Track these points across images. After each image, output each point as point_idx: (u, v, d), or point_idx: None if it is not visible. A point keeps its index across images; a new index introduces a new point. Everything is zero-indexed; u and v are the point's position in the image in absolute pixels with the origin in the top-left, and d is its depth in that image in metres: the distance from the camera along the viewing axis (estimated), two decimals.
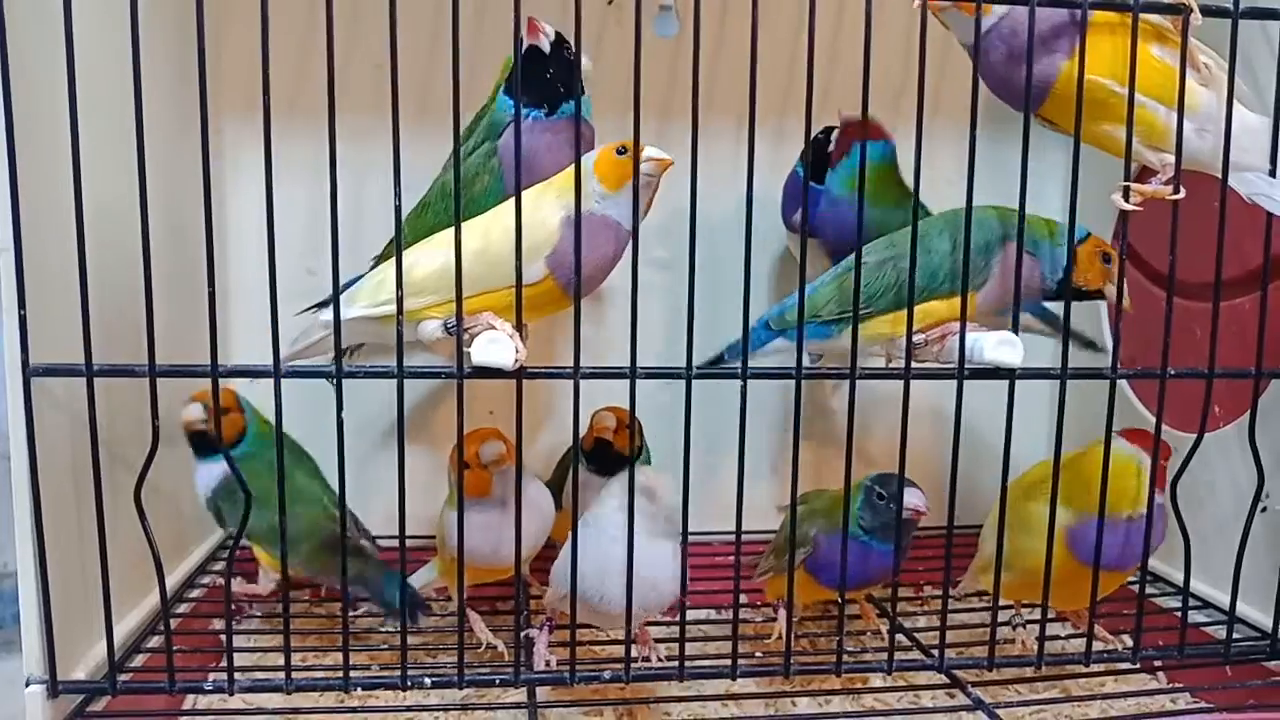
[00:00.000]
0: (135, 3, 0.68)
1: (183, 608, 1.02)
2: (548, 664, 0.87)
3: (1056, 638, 1.00)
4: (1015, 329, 0.80)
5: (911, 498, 0.88)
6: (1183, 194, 0.79)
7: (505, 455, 0.90)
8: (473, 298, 0.76)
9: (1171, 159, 0.79)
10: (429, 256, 0.80)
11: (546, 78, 0.92)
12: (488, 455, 0.90)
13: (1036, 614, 0.90)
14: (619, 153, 0.78)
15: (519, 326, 0.76)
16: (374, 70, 1.17)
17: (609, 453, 1.03)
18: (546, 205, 0.79)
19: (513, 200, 0.74)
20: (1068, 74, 0.77)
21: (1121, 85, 0.76)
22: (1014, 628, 0.99)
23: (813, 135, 0.83)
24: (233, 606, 0.92)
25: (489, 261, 0.77)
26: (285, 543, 0.77)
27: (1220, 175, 0.80)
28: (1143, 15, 0.76)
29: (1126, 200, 0.80)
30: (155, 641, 0.90)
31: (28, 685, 0.75)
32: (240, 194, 1.18)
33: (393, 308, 0.75)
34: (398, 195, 0.73)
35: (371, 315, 0.81)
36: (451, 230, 0.74)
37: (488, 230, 0.79)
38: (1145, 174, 0.81)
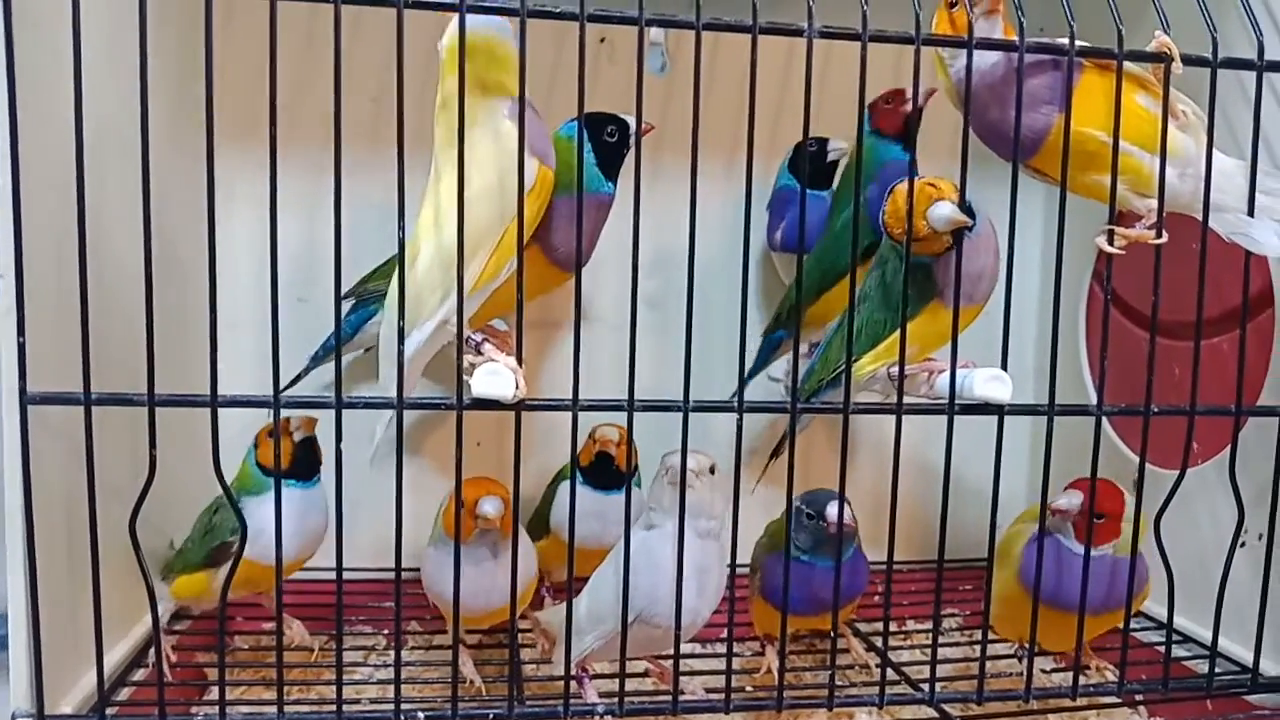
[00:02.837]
0: (144, 20, 0.69)
1: (170, 639, 1.00)
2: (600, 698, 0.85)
3: (1043, 670, 1.01)
4: (1004, 364, 0.81)
5: (833, 510, 0.86)
6: (1165, 238, 0.81)
7: (501, 519, 0.87)
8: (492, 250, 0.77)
9: (1155, 204, 0.81)
10: (422, 259, 0.80)
11: None
12: (485, 510, 0.87)
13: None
14: None
15: (520, 361, 0.77)
16: (369, 104, 1.18)
17: (609, 466, 1.05)
18: (482, 143, 0.77)
19: (452, 163, 0.74)
20: (1061, 126, 0.79)
21: (1111, 136, 0.78)
22: (1019, 659, 1.00)
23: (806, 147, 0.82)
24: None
25: (488, 210, 0.76)
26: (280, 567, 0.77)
27: (1200, 216, 0.82)
28: (1126, 65, 0.79)
29: (1110, 244, 0.82)
30: (140, 674, 0.89)
31: None
32: (231, 222, 1.17)
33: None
34: (402, 212, 0.74)
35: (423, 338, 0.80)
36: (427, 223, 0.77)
37: (439, 201, 0.79)
38: (1126, 217, 0.83)
